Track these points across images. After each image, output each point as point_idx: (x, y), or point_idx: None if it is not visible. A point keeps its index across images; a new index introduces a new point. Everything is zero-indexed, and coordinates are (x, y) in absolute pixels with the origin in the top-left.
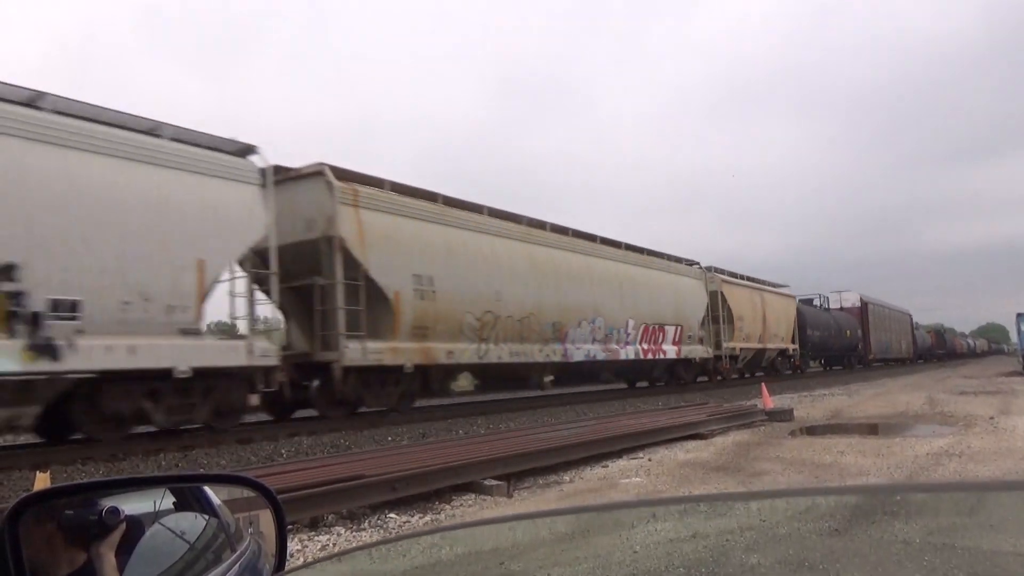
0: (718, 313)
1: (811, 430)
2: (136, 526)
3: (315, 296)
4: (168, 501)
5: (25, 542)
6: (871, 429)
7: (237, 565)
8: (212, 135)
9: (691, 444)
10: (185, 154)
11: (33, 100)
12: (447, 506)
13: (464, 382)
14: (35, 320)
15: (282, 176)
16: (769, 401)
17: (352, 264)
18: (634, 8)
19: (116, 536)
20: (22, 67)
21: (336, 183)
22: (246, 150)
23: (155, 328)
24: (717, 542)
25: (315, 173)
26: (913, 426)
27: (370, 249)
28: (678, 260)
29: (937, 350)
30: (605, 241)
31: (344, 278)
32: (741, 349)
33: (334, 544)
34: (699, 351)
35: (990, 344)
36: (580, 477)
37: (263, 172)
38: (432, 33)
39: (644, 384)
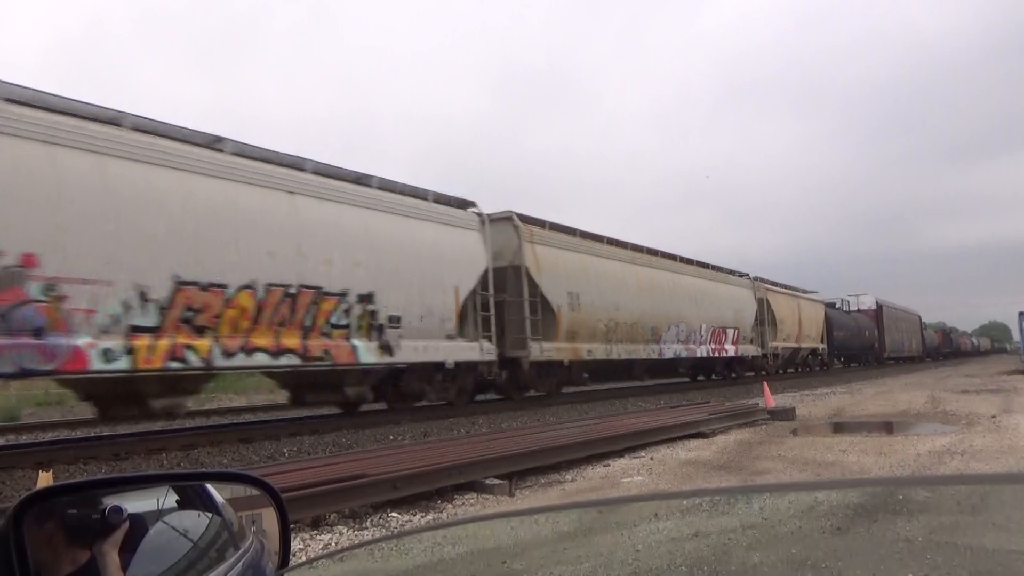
0: (763, 317)
1: (813, 428)
2: (139, 524)
3: (505, 309)
4: (171, 499)
5: (29, 541)
6: (873, 427)
7: (240, 563)
8: (451, 196)
9: (693, 443)
10: (443, 212)
11: (361, 179)
12: (449, 505)
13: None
14: (380, 329)
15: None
16: (771, 400)
17: (532, 285)
18: (637, 5)
19: (119, 535)
20: (23, 63)
21: (521, 225)
22: (471, 203)
23: (435, 334)
24: (719, 540)
25: (505, 218)
26: (915, 425)
27: (543, 274)
28: (734, 273)
29: (944, 349)
30: (684, 260)
31: (528, 296)
32: (782, 348)
33: (336, 543)
34: (751, 350)
35: (993, 343)
36: (582, 476)
37: (482, 220)
38: (434, 27)
39: (703, 378)
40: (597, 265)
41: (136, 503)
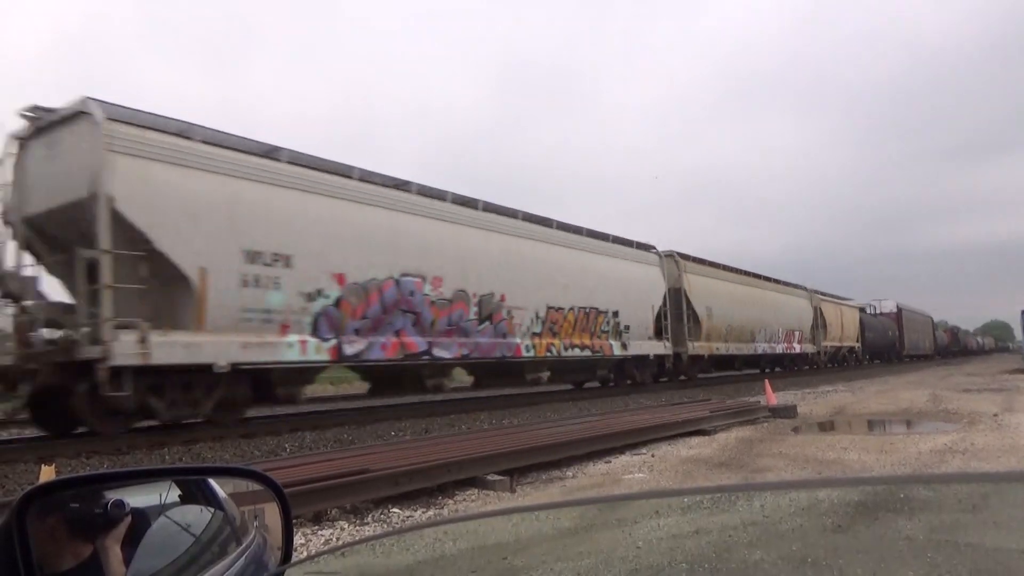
0: (817, 322)
1: (814, 426)
2: (142, 519)
3: (671, 318)
4: (174, 494)
5: (32, 534)
6: (875, 426)
7: (243, 558)
8: (640, 242)
9: (694, 440)
10: (639, 255)
11: (571, 229)
12: (450, 501)
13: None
14: (620, 334)
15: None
16: (772, 397)
17: (687, 302)
18: (639, 1)
19: (122, 529)
20: (23, 58)
21: (680, 261)
22: (652, 247)
23: (643, 336)
24: (720, 538)
25: (669, 255)
26: (916, 423)
27: (693, 294)
28: (796, 286)
29: (952, 347)
30: (766, 278)
31: (686, 310)
32: (830, 347)
33: (337, 538)
34: (810, 348)
35: (996, 342)
36: (583, 472)
37: (660, 257)
38: (435, 23)
39: (778, 369)
40: (721, 286)
41: (139, 497)
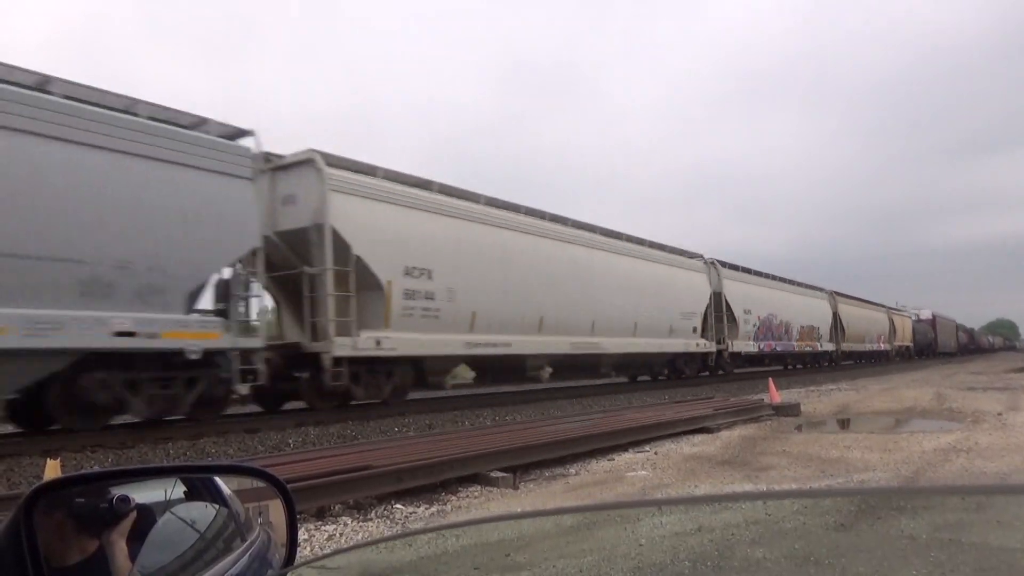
0: (837, 323)
1: (818, 425)
2: (147, 515)
3: (711, 319)
4: (179, 490)
5: (39, 530)
6: (878, 424)
7: (247, 555)
8: (690, 252)
9: (697, 438)
10: (694, 264)
11: (648, 243)
12: (453, 497)
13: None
14: (691, 334)
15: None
16: (776, 396)
17: (727, 306)
18: (640, 2)
19: (127, 524)
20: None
21: (721, 268)
22: (700, 255)
23: (692, 334)
24: (722, 536)
25: (711, 263)
26: (921, 422)
27: (730, 297)
28: (816, 288)
29: (970, 346)
30: (792, 281)
31: (725, 312)
32: (850, 347)
33: (340, 534)
34: (829, 346)
35: (1004, 341)
36: (586, 470)
37: (706, 262)
38: (438, 20)
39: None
40: (754, 290)
41: (144, 494)
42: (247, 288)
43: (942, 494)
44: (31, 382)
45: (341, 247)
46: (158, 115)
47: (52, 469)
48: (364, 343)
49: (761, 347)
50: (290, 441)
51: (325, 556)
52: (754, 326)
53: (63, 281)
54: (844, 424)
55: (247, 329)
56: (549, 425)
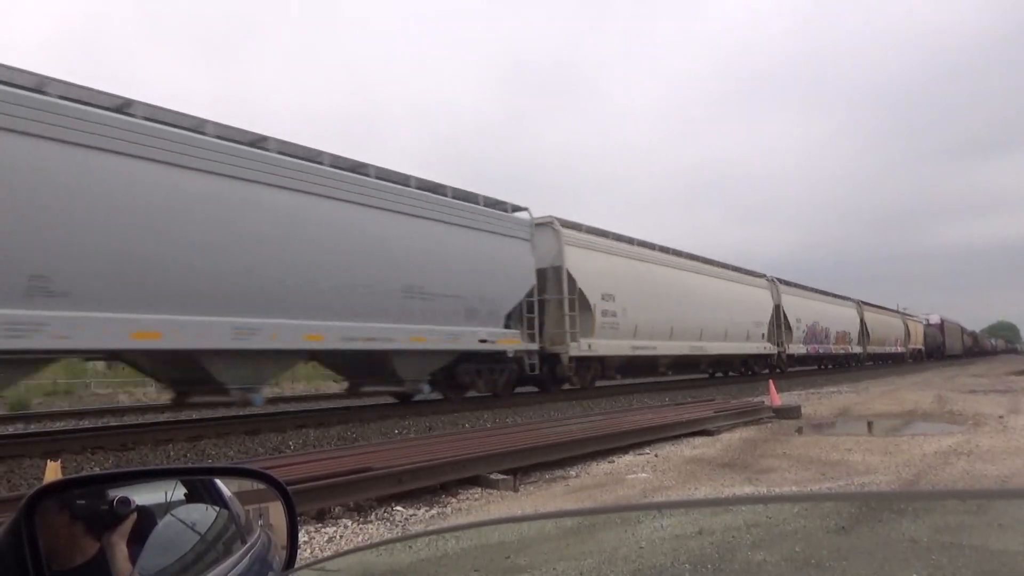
0: (863, 329)
1: (818, 427)
2: (148, 517)
3: (772, 326)
4: (179, 492)
5: (40, 531)
6: (879, 427)
7: (247, 557)
8: (756, 272)
9: (698, 440)
10: (760, 281)
11: (714, 263)
12: (453, 499)
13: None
14: (759, 338)
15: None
16: (777, 398)
17: (784, 315)
18: (640, 2)
19: (127, 526)
20: (23, 50)
21: (779, 285)
22: (763, 275)
23: (758, 340)
24: (723, 539)
25: (772, 280)
26: (921, 424)
27: (788, 310)
28: (847, 298)
29: (974, 348)
30: (828, 292)
31: (783, 320)
32: (875, 350)
33: (340, 536)
34: (857, 348)
35: (1006, 343)
36: (586, 472)
37: (769, 280)
38: (439, 20)
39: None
40: (802, 301)
41: (145, 495)
42: (530, 311)
43: (943, 498)
44: (439, 368)
45: (570, 281)
46: (489, 203)
47: (52, 471)
48: (582, 347)
49: (808, 349)
50: (290, 443)
51: (325, 559)
52: (803, 332)
53: (457, 309)
54: (845, 427)
55: (530, 337)
56: (549, 427)
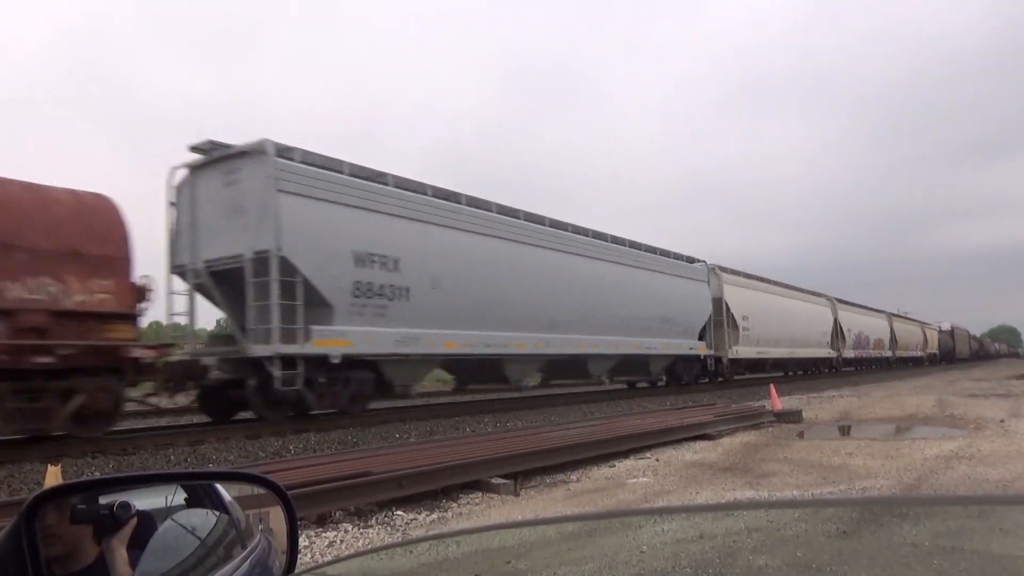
0: (893, 335)
1: (819, 431)
2: (148, 521)
3: (830, 335)
4: (180, 497)
5: (41, 536)
6: (880, 431)
7: (248, 562)
8: (818, 292)
9: (699, 445)
10: (822, 300)
11: (792, 286)
12: (454, 504)
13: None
14: (828, 345)
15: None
16: (778, 402)
17: (840, 328)
18: (640, 2)
19: (127, 530)
20: (23, 55)
21: (836, 302)
22: (824, 295)
23: (823, 346)
24: (724, 543)
25: (830, 299)
26: (922, 428)
27: (843, 322)
28: (880, 311)
29: (980, 353)
30: (865, 306)
31: (838, 330)
32: (928, 352)
33: (341, 541)
34: (888, 353)
35: (1009, 347)
36: (587, 476)
37: (828, 299)
38: (439, 23)
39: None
40: (859, 318)
41: (145, 500)
42: (711, 327)
43: (944, 504)
44: (667, 365)
45: (727, 308)
46: (678, 257)
47: (53, 475)
48: (733, 352)
49: (855, 354)
50: (291, 447)
51: (326, 563)
52: (853, 339)
53: (678, 330)
54: (846, 431)
55: (708, 346)
56: (550, 432)
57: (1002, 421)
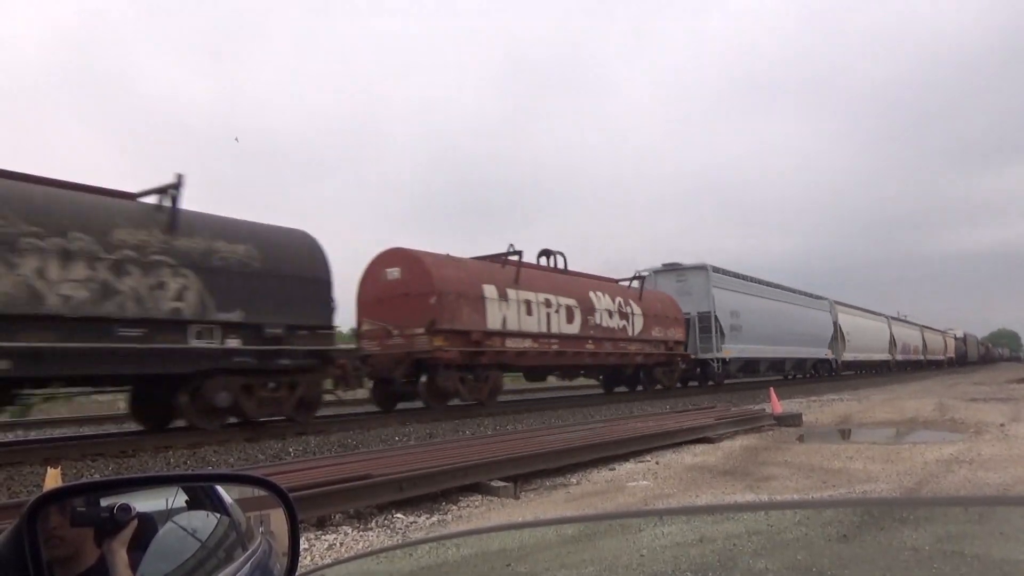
0: (923, 340)
1: (819, 435)
2: (149, 524)
3: (831, 339)
4: (180, 499)
5: (42, 539)
6: (880, 435)
7: (248, 564)
8: (818, 295)
9: (699, 448)
10: (822, 304)
11: (809, 294)
12: (454, 507)
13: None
14: (812, 345)
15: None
16: (778, 406)
17: (894, 337)
18: (644, 2)
19: (128, 532)
20: (20, 54)
21: (836, 305)
22: (824, 298)
23: (824, 347)
24: (724, 547)
25: (829, 301)
26: (923, 432)
27: (843, 325)
28: (912, 322)
29: (987, 357)
30: (904, 320)
31: (839, 333)
32: (932, 357)
33: (341, 543)
34: (920, 356)
35: (1011, 352)
36: (587, 479)
37: (828, 302)
38: (438, 20)
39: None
40: (903, 329)
41: (146, 502)
42: (837, 336)
43: (944, 505)
44: (812, 365)
45: (839, 327)
46: (810, 295)
47: (53, 478)
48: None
49: (901, 357)
50: (291, 450)
51: (326, 565)
52: (902, 346)
53: (820, 343)
54: (846, 435)
55: (835, 351)
56: (550, 434)
57: (1002, 425)
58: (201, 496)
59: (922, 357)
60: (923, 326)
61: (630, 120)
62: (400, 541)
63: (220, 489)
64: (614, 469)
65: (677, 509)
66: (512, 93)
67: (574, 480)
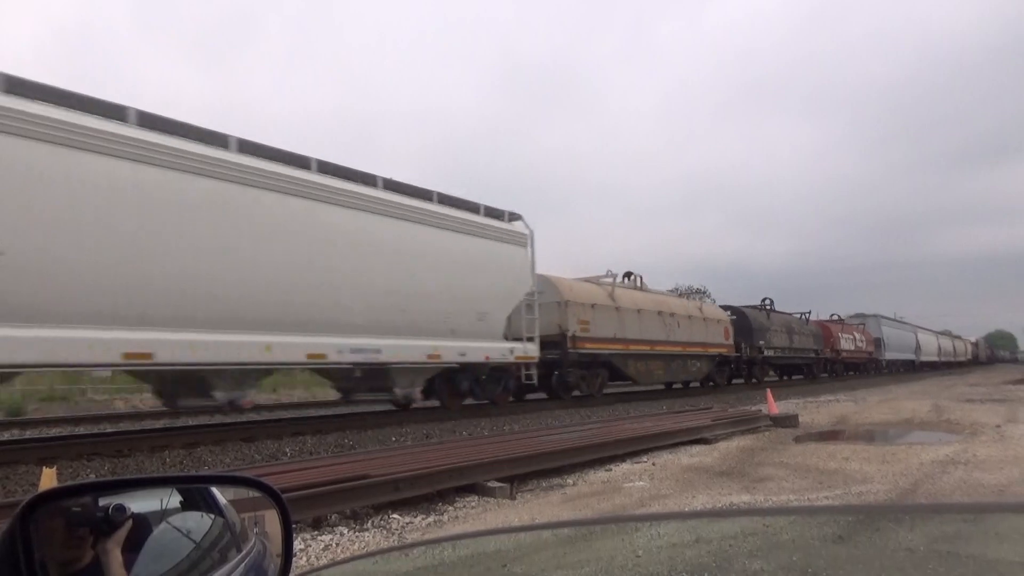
0: (952, 346)
1: (816, 436)
2: (143, 524)
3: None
4: (175, 500)
5: (35, 540)
6: (877, 436)
7: (243, 565)
8: (804, 314)
9: (695, 449)
10: (870, 323)
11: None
12: (450, 507)
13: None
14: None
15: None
16: (774, 407)
17: (919, 343)
18: (644, 2)
19: (122, 533)
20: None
21: (918, 329)
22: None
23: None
24: (720, 547)
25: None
26: (919, 433)
27: (921, 340)
28: (941, 332)
29: (992, 358)
30: (929, 329)
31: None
32: (946, 357)
33: (336, 544)
34: (934, 357)
35: (1010, 353)
36: (583, 480)
37: (877, 319)
38: (436, 21)
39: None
40: (934, 339)
41: (140, 503)
42: (882, 342)
43: (940, 512)
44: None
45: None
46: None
47: (48, 477)
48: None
49: (941, 358)
50: (287, 450)
51: (322, 567)
52: (931, 351)
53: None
54: (842, 436)
55: (879, 353)
56: (546, 435)
57: (998, 426)
58: (196, 497)
59: (937, 358)
60: (951, 333)
61: (630, 123)
62: (396, 543)
63: (215, 490)
64: (611, 470)
65: (673, 513)
66: (511, 93)
67: (571, 481)
